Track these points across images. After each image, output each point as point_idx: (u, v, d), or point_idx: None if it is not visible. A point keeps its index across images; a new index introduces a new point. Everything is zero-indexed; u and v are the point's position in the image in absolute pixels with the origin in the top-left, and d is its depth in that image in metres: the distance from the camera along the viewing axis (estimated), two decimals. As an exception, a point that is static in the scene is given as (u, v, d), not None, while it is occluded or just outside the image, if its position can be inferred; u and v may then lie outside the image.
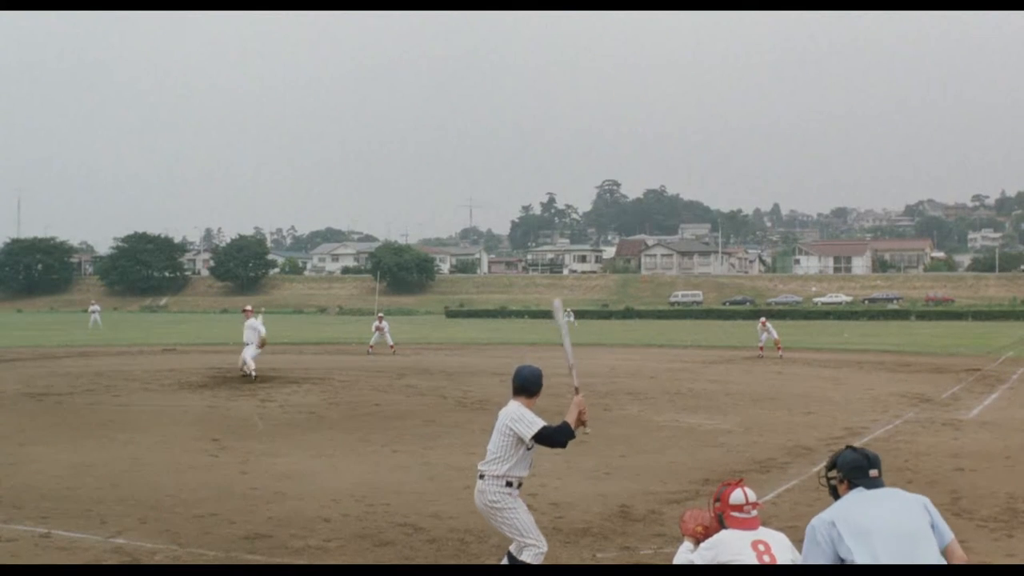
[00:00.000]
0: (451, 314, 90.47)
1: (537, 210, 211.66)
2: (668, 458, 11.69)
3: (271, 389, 19.58)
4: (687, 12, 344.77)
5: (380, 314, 36.16)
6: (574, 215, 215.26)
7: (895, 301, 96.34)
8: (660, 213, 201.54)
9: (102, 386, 20.21)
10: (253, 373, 20.80)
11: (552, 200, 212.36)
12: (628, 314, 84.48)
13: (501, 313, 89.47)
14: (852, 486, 4.76)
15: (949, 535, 4.55)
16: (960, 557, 4.56)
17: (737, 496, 5.05)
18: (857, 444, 13.65)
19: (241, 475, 10.65)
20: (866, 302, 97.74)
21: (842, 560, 4.43)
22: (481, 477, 6.23)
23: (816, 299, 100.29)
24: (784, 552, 4.94)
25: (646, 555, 7.51)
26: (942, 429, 14.42)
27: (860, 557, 4.36)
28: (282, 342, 40.22)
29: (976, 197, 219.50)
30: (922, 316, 76.91)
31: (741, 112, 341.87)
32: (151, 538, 7.91)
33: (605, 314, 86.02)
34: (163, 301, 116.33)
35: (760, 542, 4.94)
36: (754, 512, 5.07)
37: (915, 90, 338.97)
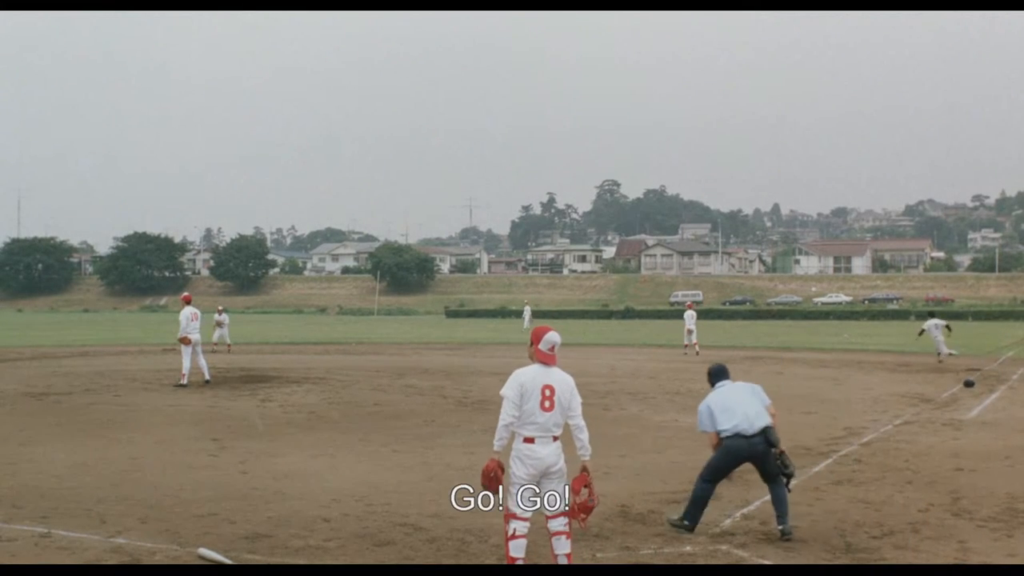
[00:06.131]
0: (451, 314, 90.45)
1: (537, 210, 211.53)
2: (668, 458, 11.69)
3: (271, 389, 19.59)
4: (687, 12, 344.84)
5: (220, 308, 34.99)
6: (574, 215, 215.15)
7: (895, 301, 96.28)
8: (660, 213, 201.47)
9: (102, 386, 20.21)
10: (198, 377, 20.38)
11: (552, 200, 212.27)
12: (628, 314, 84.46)
13: (501, 313, 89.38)
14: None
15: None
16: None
17: (551, 337, 6.70)
18: (857, 444, 13.61)
19: (241, 475, 10.65)
20: (866, 302, 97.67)
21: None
22: None
23: (816, 299, 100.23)
24: (566, 393, 6.64)
25: (646, 555, 7.52)
26: (942, 429, 14.42)
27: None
28: (282, 342, 40.23)
29: (976, 197, 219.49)
30: (922, 316, 76.59)
31: (741, 112, 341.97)
32: (151, 538, 7.91)
33: (605, 314, 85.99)
34: (163, 301, 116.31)
35: (547, 387, 6.57)
36: (555, 351, 6.72)
37: (915, 90, 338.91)
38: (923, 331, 29.25)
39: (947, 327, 29.11)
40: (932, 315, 30.71)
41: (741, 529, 8.31)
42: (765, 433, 8.02)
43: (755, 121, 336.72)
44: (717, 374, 8.60)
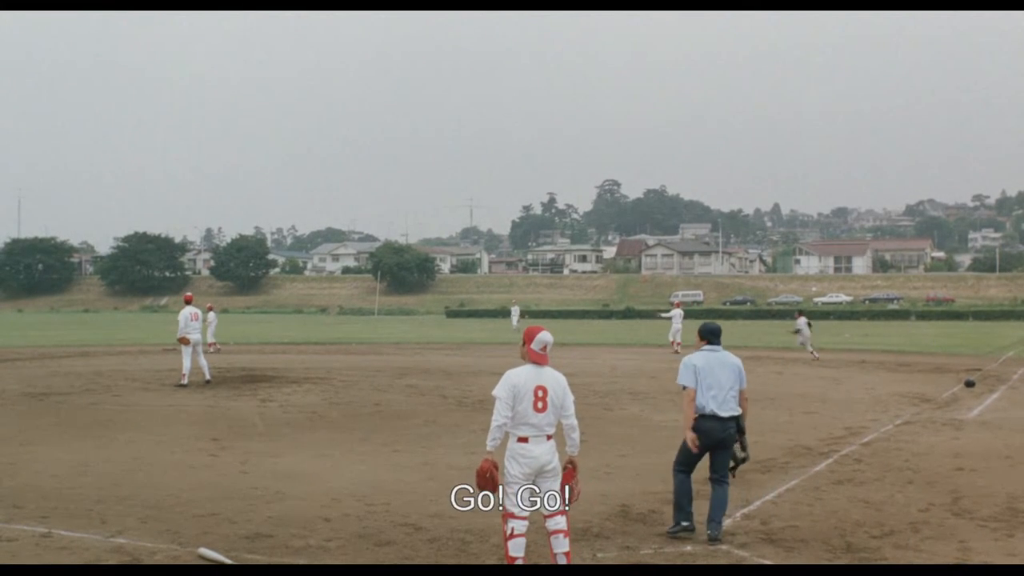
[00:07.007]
0: (451, 314, 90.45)
1: (537, 210, 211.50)
2: (669, 458, 11.62)
3: (271, 389, 19.59)
4: (687, 12, 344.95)
5: (209, 305, 34.79)
6: (574, 215, 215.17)
7: (895, 301, 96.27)
8: (660, 213, 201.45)
9: (102, 386, 20.21)
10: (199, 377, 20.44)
11: (552, 200, 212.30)
12: (628, 314, 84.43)
13: (501, 313, 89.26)
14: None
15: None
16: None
17: (544, 337, 6.74)
18: (857, 444, 13.60)
19: (241, 475, 10.65)
20: (866, 302, 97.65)
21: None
22: None
23: (816, 299, 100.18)
24: (559, 393, 6.68)
25: (646, 555, 7.51)
26: (942, 429, 14.41)
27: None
28: (283, 342, 40.23)
29: (976, 197, 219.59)
30: (922, 316, 76.79)
31: (741, 111, 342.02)
32: (151, 538, 7.90)
33: (606, 314, 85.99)
34: (163, 301, 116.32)
35: (540, 387, 6.62)
36: (548, 351, 6.77)
37: (915, 90, 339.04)
38: (798, 330, 30.55)
39: (809, 324, 30.94)
40: (802, 313, 32.95)
41: (741, 529, 8.30)
42: (738, 420, 8.20)
43: (755, 121, 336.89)
44: (713, 332, 8.40)
